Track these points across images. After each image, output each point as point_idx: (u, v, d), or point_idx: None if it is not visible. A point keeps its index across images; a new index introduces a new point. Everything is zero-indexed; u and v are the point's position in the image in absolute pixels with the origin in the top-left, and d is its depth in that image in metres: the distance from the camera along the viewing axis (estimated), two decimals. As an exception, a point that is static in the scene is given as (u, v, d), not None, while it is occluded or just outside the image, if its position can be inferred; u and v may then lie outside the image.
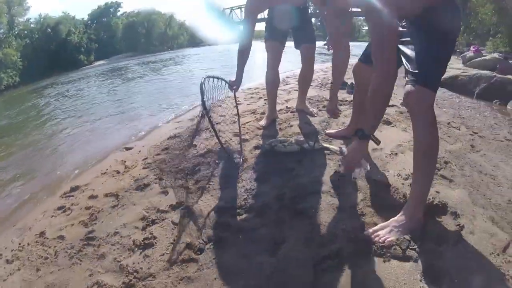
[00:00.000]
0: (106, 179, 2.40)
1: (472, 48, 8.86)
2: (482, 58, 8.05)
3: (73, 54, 27.76)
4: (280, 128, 2.71)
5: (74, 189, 2.37)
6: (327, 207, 1.55)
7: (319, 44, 3.87)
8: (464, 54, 8.92)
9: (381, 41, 1.33)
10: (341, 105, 3.28)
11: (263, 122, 2.95)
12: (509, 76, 5.95)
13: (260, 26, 3.34)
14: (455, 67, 7.80)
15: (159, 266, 1.30)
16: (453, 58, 9.18)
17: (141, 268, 1.30)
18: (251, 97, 4.68)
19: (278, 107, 3.57)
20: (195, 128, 2.49)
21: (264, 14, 3.00)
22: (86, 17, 36.39)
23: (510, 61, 7.53)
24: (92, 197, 2.11)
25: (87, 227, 1.73)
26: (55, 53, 26.08)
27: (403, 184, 1.67)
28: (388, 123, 2.68)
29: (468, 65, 8.00)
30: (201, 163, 2.20)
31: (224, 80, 2.57)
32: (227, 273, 1.25)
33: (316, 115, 3.00)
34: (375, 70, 1.37)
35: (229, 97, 2.90)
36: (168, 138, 3.09)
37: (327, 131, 2.50)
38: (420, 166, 1.36)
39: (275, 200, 1.63)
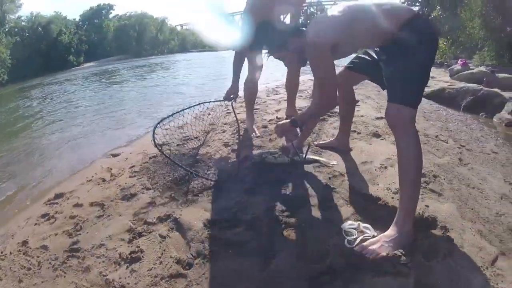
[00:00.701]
0: (92, 187, 2.33)
1: (459, 62, 9.09)
2: (469, 71, 8.25)
3: (62, 55, 27.39)
4: (270, 139, 2.71)
5: (58, 196, 2.28)
6: (318, 220, 1.55)
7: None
8: (451, 67, 9.14)
9: (328, 73, 1.65)
10: (330, 116, 3.31)
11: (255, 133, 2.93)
12: (495, 90, 6.13)
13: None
14: (442, 79, 8.00)
15: (147, 282, 1.26)
16: (440, 71, 9.48)
17: (128, 284, 1.25)
18: (241, 106, 4.66)
19: (268, 117, 3.60)
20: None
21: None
22: (77, 18, 36.16)
23: (497, 75, 7.76)
24: (77, 205, 2.04)
25: (71, 237, 1.67)
26: (45, 52, 25.70)
27: (392, 198, 1.68)
28: (377, 135, 2.71)
29: (455, 78, 8.21)
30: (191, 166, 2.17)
31: (217, 101, 2.55)
32: (217, 289, 1.22)
33: None
34: (321, 98, 1.75)
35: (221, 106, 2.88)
36: (155, 146, 3.04)
37: (316, 142, 2.51)
38: (406, 182, 1.38)
39: (265, 213, 1.62)
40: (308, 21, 1.83)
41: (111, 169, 2.66)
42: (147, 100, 7.35)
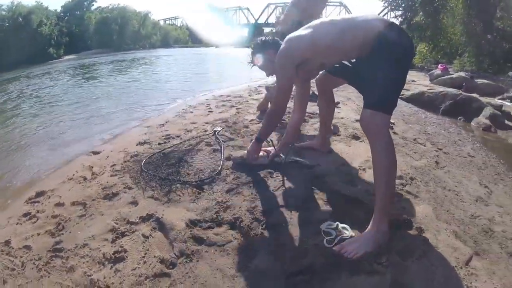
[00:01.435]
0: (73, 186, 2.31)
1: (439, 66, 9.42)
2: (449, 76, 8.57)
3: (42, 47, 26.48)
4: (251, 140, 2.76)
5: (39, 194, 2.25)
6: (297, 221, 1.61)
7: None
8: (431, 72, 9.44)
9: (283, 87, 1.89)
10: (311, 117, 3.40)
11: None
12: (474, 94, 6.39)
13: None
14: (422, 83, 8.27)
15: (131, 281, 1.29)
16: (420, 75, 9.81)
17: (113, 283, 1.28)
18: (223, 105, 4.71)
19: (249, 117, 3.65)
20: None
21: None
22: (59, 9, 35.00)
23: (476, 80, 8.06)
24: (58, 204, 2.02)
25: (54, 237, 1.66)
26: (25, 43, 24.63)
27: (370, 199, 1.75)
28: (356, 138, 2.81)
29: (435, 83, 8.51)
30: (172, 173, 2.20)
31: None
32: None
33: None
34: (277, 102, 1.98)
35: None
36: (137, 144, 3.04)
37: (297, 144, 2.59)
38: (380, 184, 1.46)
39: (246, 213, 1.68)
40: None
41: (92, 167, 2.64)
42: (126, 96, 7.29)
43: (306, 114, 2.87)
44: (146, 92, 7.69)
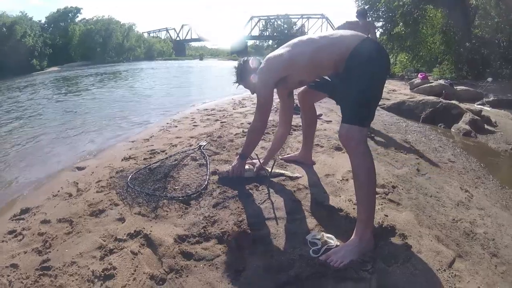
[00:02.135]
0: (58, 202, 2.32)
1: (419, 76, 9.79)
2: (429, 84, 8.89)
3: (26, 58, 26.26)
4: (237, 153, 2.83)
5: (24, 211, 2.27)
6: (284, 232, 1.68)
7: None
8: (412, 80, 9.77)
9: (263, 103, 2.01)
10: (295, 130, 3.50)
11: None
12: (453, 102, 6.64)
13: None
14: (403, 92, 8.55)
15: (121, 298, 1.33)
16: (401, 84, 10.16)
17: (103, 301, 1.32)
18: (207, 119, 4.79)
19: (234, 131, 3.72)
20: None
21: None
22: (43, 20, 34.85)
23: (455, 87, 8.38)
24: (44, 221, 2.03)
25: (41, 255, 1.67)
26: (8, 54, 24.41)
27: (354, 208, 1.85)
28: (339, 149, 2.92)
29: (415, 91, 8.81)
30: (159, 188, 2.24)
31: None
32: (190, 303, 1.31)
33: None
34: (258, 118, 2.08)
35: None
36: (122, 159, 3.07)
37: (281, 156, 2.68)
38: (361, 195, 1.54)
39: (234, 227, 1.73)
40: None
41: (78, 183, 2.65)
42: (109, 110, 7.31)
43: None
44: (130, 106, 7.72)
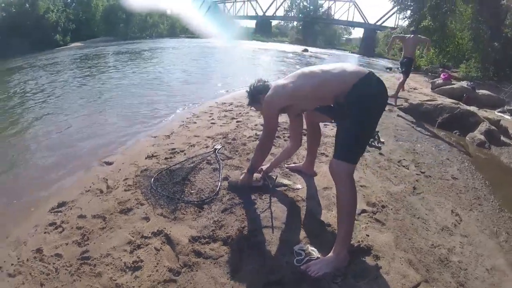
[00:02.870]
0: (91, 198, 2.75)
1: (442, 76, 9.68)
2: (450, 86, 8.83)
3: (49, 33, 26.90)
4: (248, 159, 3.23)
5: (61, 204, 2.65)
6: (277, 241, 2.09)
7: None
8: (434, 80, 9.70)
9: (268, 127, 2.34)
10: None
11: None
12: (471, 109, 6.63)
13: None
14: (423, 92, 8.56)
15: (147, 285, 1.77)
16: (423, 80, 10.17)
17: (133, 287, 1.78)
18: (225, 115, 5.18)
19: (247, 133, 4.10)
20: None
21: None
22: None
23: (478, 91, 8.29)
24: (81, 216, 2.41)
25: (81, 247, 2.10)
26: (31, 30, 25.15)
27: None
28: None
29: (436, 91, 8.77)
30: (178, 191, 2.68)
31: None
32: (199, 292, 1.75)
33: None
34: (263, 139, 2.42)
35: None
36: (146, 158, 3.52)
37: (286, 165, 3.06)
38: (341, 219, 1.90)
39: (237, 232, 2.16)
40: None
41: (107, 179, 3.10)
42: (130, 98, 7.60)
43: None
44: (151, 94, 8.07)
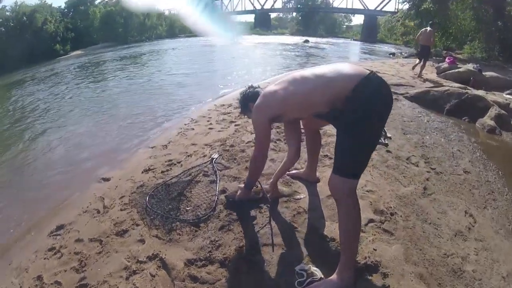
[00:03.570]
0: (88, 220, 2.75)
1: (447, 60, 9.47)
2: (457, 70, 8.64)
3: (49, 44, 27.70)
4: (246, 167, 3.12)
5: (59, 227, 2.73)
6: (277, 259, 1.98)
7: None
8: (439, 65, 9.50)
9: (259, 137, 2.17)
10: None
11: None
12: (479, 93, 6.46)
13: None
14: (429, 78, 8.35)
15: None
16: (428, 65, 9.88)
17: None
18: (223, 119, 5.07)
19: (246, 138, 3.99)
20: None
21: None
22: (63, 5, 36.17)
23: (484, 73, 8.10)
24: (78, 240, 2.44)
25: (79, 273, 2.11)
26: (31, 42, 25.87)
27: None
28: None
29: (442, 76, 8.57)
30: (173, 209, 2.58)
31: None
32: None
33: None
34: (256, 150, 2.24)
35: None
36: (142, 172, 3.47)
37: (288, 172, 2.94)
38: (344, 239, 1.75)
39: (235, 252, 2.05)
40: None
41: (104, 198, 3.08)
42: (129, 106, 7.67)
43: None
44: (150, 100, 8.07)
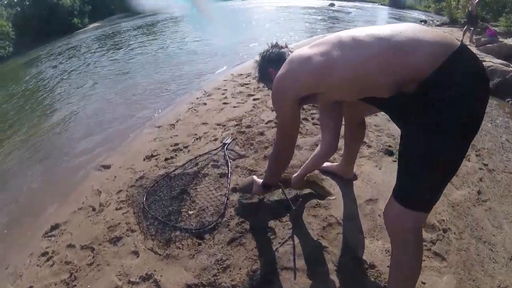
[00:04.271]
0: (83, 220, 2.48)
1: (487, 32, 8.76)
2: (497, 44, 7.93)
3: (66, 18, 28.10)
4: (265, 156, 2.64)
5: (54, 227, 2.52)
6: (300, 290, 1.56)
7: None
8: (478, 37, 8.98)
9: (284, 125, 1.54)
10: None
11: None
12: None
13: None
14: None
15: None
16: (465, 37, 8.91)
17: None
18: (240, 92, 4.55)
19: (266, 116, 3.47)
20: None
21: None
22: None
23: None
24: (70, 246, 2.21)
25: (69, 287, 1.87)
26: (47, 18, 26.19)
27: (388, 266, 1.54)
28: (389, 153, 2.56)
29: (481, 50, 7.81)
30: (174, 212, 2.17)
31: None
32: None
33: None
34: (278, 144, 1.62)
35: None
36: (144, 159, 3.09)
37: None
38: (395, 284, 1.29)
39: (246, 277, 1.63)
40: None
41: (100, 192, 2.78)
42: (142, 77, 7.36)
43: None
44: (164, 69, 7.68)
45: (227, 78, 5.57)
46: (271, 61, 1.67)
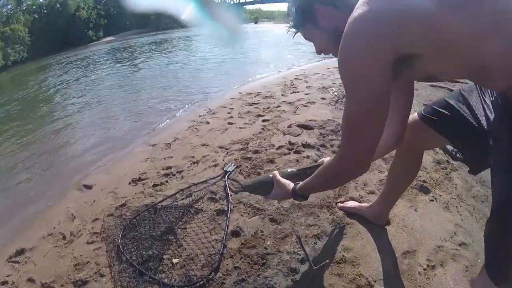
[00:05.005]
0: (49, 249, 2.12)
1: None
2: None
3: (81, 30, 29.98)
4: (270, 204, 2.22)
5: (19, 252, 2.19)
6: None
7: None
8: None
9: (357, 118, 0.90)
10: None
11: None
12: None
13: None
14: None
15: None
16: None
17: None
18: (248, 111, 4.18)
19: (276, 141, 3.08)
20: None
21: None
22: None
23: None
24: (30, 280, 1.87)
25: None
26: (64, 28, 27.87)
27: None
28: (425, 190, 2.10)
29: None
30: (153, 258, 1.75)
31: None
32: None
33: None
34: (339, 155, 1.02)
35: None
36: (130, 183, 2.71)
37: (340, 204, 1.98)
38: None
39: None
40: None
41: (74, 218, 2.42)
42: (147, 91, 7.32)
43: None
44: (172, 84, 7.65)
45: (235, 96, 5.24)
46: None
